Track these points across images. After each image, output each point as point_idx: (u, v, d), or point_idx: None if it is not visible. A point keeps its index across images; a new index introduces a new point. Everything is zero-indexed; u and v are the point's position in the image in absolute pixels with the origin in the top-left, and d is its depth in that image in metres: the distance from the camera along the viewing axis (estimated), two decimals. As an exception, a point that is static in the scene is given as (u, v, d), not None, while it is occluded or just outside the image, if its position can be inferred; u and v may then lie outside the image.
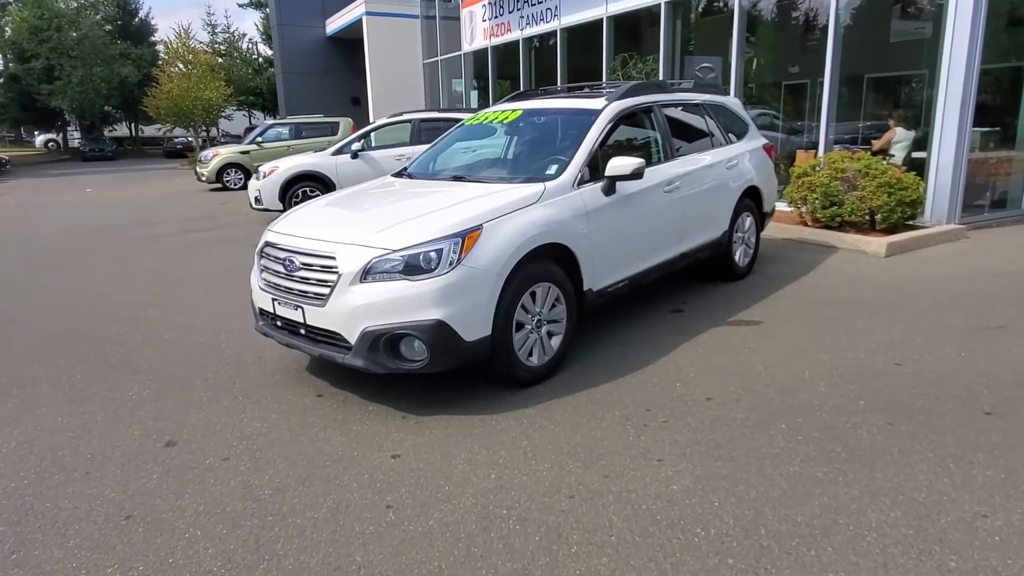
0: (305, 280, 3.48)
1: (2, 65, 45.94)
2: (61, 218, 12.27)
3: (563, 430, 3.24)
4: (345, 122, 16.10)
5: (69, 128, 53.28)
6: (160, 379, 4.08)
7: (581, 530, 2.47)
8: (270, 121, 17.35)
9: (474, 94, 16.70)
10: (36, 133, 58.96)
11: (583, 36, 12.42)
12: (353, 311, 3.29)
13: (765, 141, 6.09)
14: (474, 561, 2.33)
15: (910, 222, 6.98)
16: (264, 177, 9.86)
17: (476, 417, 3.41)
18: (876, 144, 8.41)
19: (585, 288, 4.01)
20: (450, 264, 3.28)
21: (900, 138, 8.13)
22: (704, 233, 5.13)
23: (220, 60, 46.77)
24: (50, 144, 56.81)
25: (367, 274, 3.29)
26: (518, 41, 14.14)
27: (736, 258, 5.64)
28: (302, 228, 3.76)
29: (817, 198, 6.95)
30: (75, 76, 41.34)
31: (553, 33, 12.96)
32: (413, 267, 3.28)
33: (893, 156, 8.10)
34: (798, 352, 4.10)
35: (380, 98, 18.81)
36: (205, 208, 12.92)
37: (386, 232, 3.43)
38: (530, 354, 3.73)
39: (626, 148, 4.59)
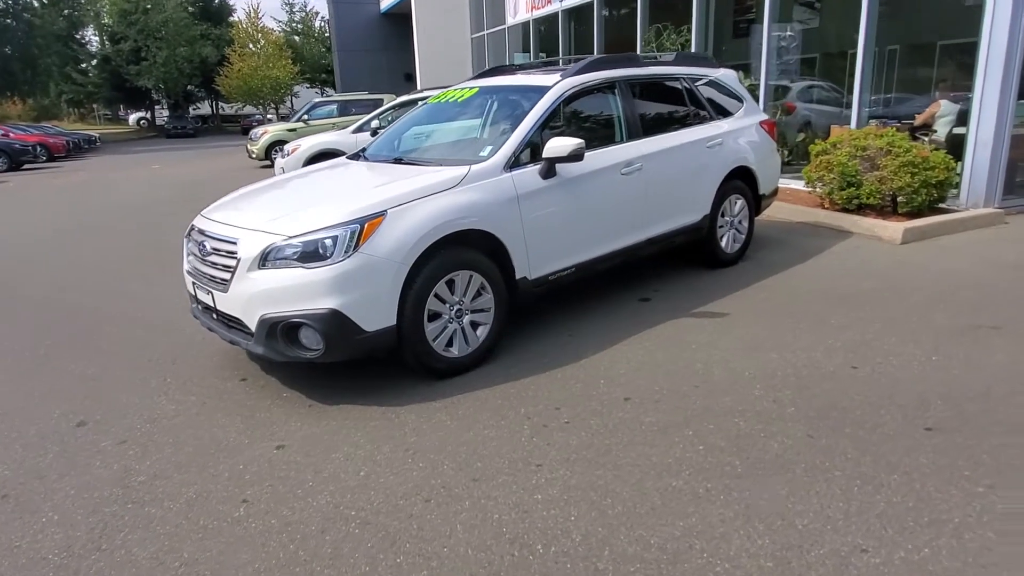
0: (214, 265, 3.46)
1: (99, 46, 48.76)
2: (113, 194, 12.92)
3: (458, 427, 3.10)
4: (389, 99, 16.14)
5: (158, 107, 56.23)
6: (110, 357, 4.19)
7: (418, 539, 2.35)
8: (316, 99, 17.62)
9: (518, 69, 16.36)
10: (129, 112, 62.64)
11: (621, 6, 11.92)
12: (251, 297, 3.24)
13: (763, 117, 5.63)
14: (295, 566, 2.25)
15: (941, 205, 6.33)
16: (288, 155, 10.04)
17: (379, 408, 3.32)
18: (918, 119, 7.67)
19: (518, 277, 3.82)
20: (346, 252, 3.17)
21: (945, 111, 7.37)
22: (679, 217, 4.80)
23: (296, 38, 48.11)
24: (141, 122, 60.24)
25: (265, 260, 3.23)
26: (558, 13, 13.72)
27: (723, 244, 5.26)
28: (223, 212, 3.74)
29: (834, 178, 6.39)
30: (160, 57, 43.43)
31: (591, 4, 12.48)
32: (309, 254, 3.19)
33: (936, 132, 7.37)
34: (751, 349, 3.78)
35: (428, 73, 18.77)
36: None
37: (287, 218, 3.36)
38: (450, 344, 3.59)
39: (579, 127, 4.31)
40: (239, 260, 3.27)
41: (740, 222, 5.40)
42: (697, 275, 5.18)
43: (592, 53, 12.55)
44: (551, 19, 14.05)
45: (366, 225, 3.23)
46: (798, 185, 7.48)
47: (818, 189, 6.67)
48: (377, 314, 3.26)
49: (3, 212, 11.19)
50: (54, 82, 50.30)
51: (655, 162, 4.50)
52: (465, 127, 4.47)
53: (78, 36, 49.19)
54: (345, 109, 16.62)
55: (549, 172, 3.87)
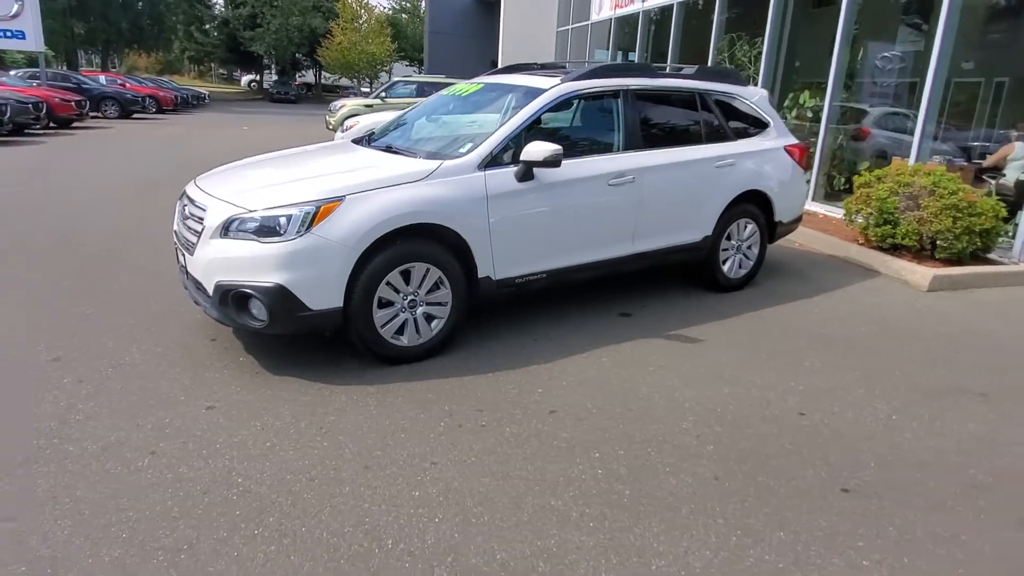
0: (189, 229, 3.65)
1: (222, 9, 51.65)
2: (195, 149, 13.71)
3: (379, 414, 3.17)
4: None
5: (267, 72, 59.12)
6: (113, 304, 4.49)
7: (285, 515, 2.43)
8: (396, 78, 18.04)
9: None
10: (241, 73, 66.19)
11: (699, 12, 11.57)
12: (209, 263, 3.41)
13: (791, 141, 5.36)
14: (162, 519, 2.37)
15: (989, 256, 5.86)
16: (347, 130, 10.37)
17: (318, 385, 3.43)
18: (989, 159, 7.10)
19: (481, 275, 3.84)
20: (298, 231, 3.29)
21: (1019, 155, 6.79)
22: (675, 234, 4.67)
23: (404, 16, 49.29)
24: (252, 84, 63.55)
25: (226, 230, 3.39)
26: (639, 14, 13.45)
27: (725, 268, 5.07)
28: (208, 180, 3.94)
29: (872, 213, 6.03)
30: (273, 24, 45.57)
31: (670, 8, 12.18)
32: (265, 229, 3.33)
33: (1004, 176, 6.80)
34: (706, 380, 3.65)
35: (509, 62, 18.82)
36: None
37: (254, 193, 3.51)
38: (400, 332, 3.66)
39: (573, 133, 4.27)
40: (204, 227, 3.45)
41: (750, 248, 5.18)
42: (694, 297, 5.03)
43: (667, 57, 12.29)
44: (632, 19, 13.80)
45: (321, 208, 3.33)
46: (835, 212, 7.08)
47: (856, 223, 6.30)
48: (323, 294, 3.36)
49: (93, 157, 12.11)
50: (178, 39, 53.72)
51: (652, 175, 4.39)
52: (461, 122, 4.50)
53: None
54: (422, 90, 16.93)
55: (526, 175, 3.85)
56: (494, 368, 3.71)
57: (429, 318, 3.75)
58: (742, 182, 4.91)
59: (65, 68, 36.76)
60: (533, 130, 4.02)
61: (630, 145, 4.38)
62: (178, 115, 26.03)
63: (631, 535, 2.38)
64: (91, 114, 21.59)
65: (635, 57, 13.58)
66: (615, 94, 4.39)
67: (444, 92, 5.00)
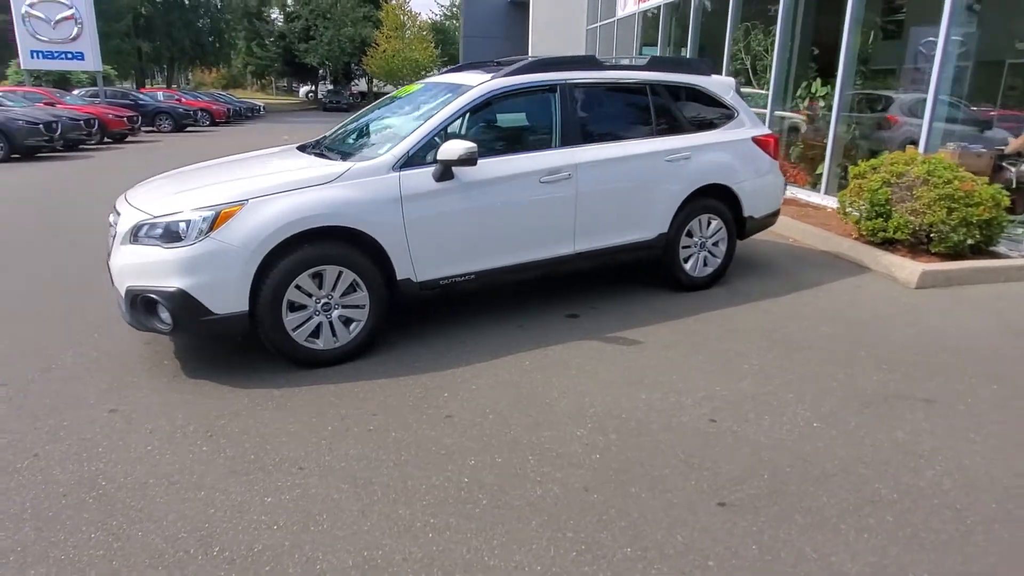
0: (111, 236, 3.74)
1: (281, 23, 53.53)
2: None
3: (273, 418, 3.16)
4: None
5: (322, 82, 60.84)
6: (79, 302, 4.66)
7: (129, 519, 2.43)
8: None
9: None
10: (299, 85, 68.37)
11: (717, 3, 11.19)
12: (121, 268, 3.49)
13: (761, 132, 5.07)
14: (10, 521, 2.42)
15: (993, 248, 5.40)
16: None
17: (225, 388, 3.45)
18: (1012, 144, 6.56)
19: (400, 278, 3.78)
20: (198, 237, 3.32)
21: (1042, 139, 6.24)
22: (623, 232, 4.49)
23: (454, 22, 49.84)
24: (309, 95, 65.55)
25: (135, 236, 3.45)
26: (660, 7, 13.14)
27: (687, 267, 4.85)
28: (138, 187, 4.03)
29: (864, 205, 5.65)
30: (326, 36, 46.88)
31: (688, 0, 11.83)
32: (169, 235, 3.37)
33: (1024, 162, 6.27)
34: (625, 385, 3.48)
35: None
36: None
37: (164, 199, 3.56)
38: (316, 336, 3.64)
39: (502, 130, 4.16)
40: (116, 233, 3.53)
41: (716, 245, 4.94)
42: (653, 297, 4.82)
43: (686, 48, 11.94)
44: (655, 13, 13.49)
45: (221, 212, 3.35)
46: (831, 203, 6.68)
47: (850, 217, 5.92)
48: (227, 298, 3.37)
49: (126, 169, 12.70)
50: (239, 55, 56.01)
51: (590, 172, 4.23)
52: (393, 122, 4.45)
53: (264, 14, 54.28)
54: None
55: (444, 175, 3.77)
56: (410, 371, 3.65)
57: (347, 321, 3.71)
58: (700, 176, 4.68)
59: (134, 86, 38.92)
60: (467, 127, 3.94)
61: (568, 141, 4.24)
62: (229, 127, 27.08)
63: (466, 547, 2.28)
64: (145, 128, 22.75)
65: (657, 52, 13.25)
66: (551, 88, 4.26)
67: (394, 93, 4.97)
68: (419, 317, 4.42)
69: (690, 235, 4.80)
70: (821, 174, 8.17)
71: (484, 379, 3.56)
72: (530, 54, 19.88)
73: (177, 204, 3.45)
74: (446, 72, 4.89)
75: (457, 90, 4.12)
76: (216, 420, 3.14)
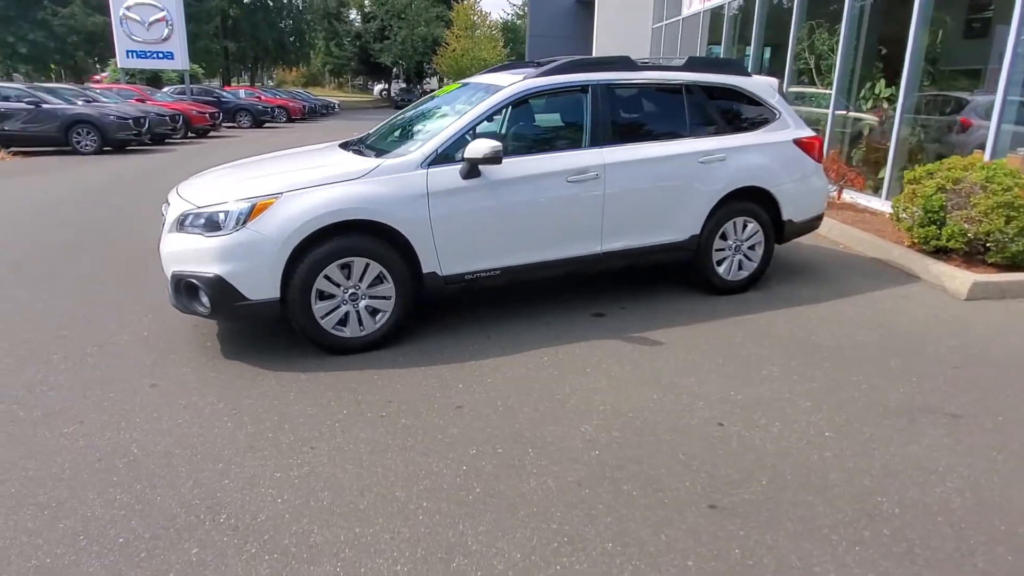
0: (162, 223, 4.03)
1: (358, 24, 55.16)
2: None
3: (295, 400, 3.33)
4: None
5: (396, 81, 62.33)
6: (134, 293, 5.03)
7: (146, 483, 2.65)
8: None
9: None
10: (373, 83, 70.26)
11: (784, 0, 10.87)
12: (168, 254, 3.75)
13: (803, 134, 4.93)
14: (50, 480, 2.67)
15: (1059, 260, 5.08)
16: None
17: (257, 370, 3.66)
18: (1091, 150, 6.12)
19: (425, 271, 3.91)
20: (235, 227, 3.54)
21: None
22: (652, 233, 4.48)
23: (519, 22, 50.09)
24: (382, 92, 67.25)
25: (182, 225, 3.71)
26: (724, 5, 12.86)
27: (720, 270, 4.78)
28: (188, 181, 4.30)
29: (917, 212, 5.41)
30: (399, 36, 47.96)
31: (754, -4, 11.53)
32: (210, 224, 3.61)
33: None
34: (639, 385, 3.49)
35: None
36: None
37: (209, 191, 3.80)
38: (343, 324, 3.82)
39: (533, 130, 4.23)
40: (165, 222, 3.80)
41: (752, 248, 4.85)
42: (684, 299, 4.78)
43: (749, 46, 11.66)
44: (719, 12, 13.21)
45: (257, 204, 3.56)
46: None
47: (902, 223, 5.68)
48: (260, 285, 3.58)
49: (206, 162, 13.44)
50: (318, 55, 58.03)
51: (619, 171, 4.24)
52: (429, 121, 4.57)
53: (343, 15, 56.07)
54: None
55: (471, 172, 3.88)
56: (431, 362, 3.77)
57: (373, 312, 3.87)
58: (735, 178, 4.61)
59: (220, 84, 40.98)
60: (497, 126, 4.04)
61: (597, 141, 4.26)
62: (304, 123, 28.19)
63: (452, 531, 2.37)
64: (226, 124, 23.97)
65: (720, 51, 12.99)
66: (583, 89, 4.29)
67: (435, 92, 5.10)
68: (450, 311, 4.54)
69: (724, 237, 4.73)
70: (884, 179, 7.84)
71: (501, 373, 3.64)
72: (594, 54, 19.80)
73: (219, 196, 3.69)
74: (486, 73, 4.98)
75: (490, 90, 4.21)
76: (244, 399, 3.34)
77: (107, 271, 5.51)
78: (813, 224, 5.16)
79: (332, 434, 3.02)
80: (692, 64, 4.70)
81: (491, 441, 2.96)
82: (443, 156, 3.90)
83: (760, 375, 3.61)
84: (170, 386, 3.49)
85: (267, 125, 26.06)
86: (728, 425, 3.08)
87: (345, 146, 4.65)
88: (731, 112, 4.75)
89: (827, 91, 9.21)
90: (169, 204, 3.97)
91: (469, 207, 3.92)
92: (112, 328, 4.26)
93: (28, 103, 14.28)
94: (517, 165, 4.01)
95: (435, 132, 4.05)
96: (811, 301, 4.77)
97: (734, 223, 4.72)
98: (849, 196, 8.03)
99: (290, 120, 28.53)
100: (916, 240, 5.44)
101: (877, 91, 8.23)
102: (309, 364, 3.73)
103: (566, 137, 4.32)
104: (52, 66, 35.85)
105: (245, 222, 3.54)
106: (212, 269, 3.54)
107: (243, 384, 3.51)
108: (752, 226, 4.79)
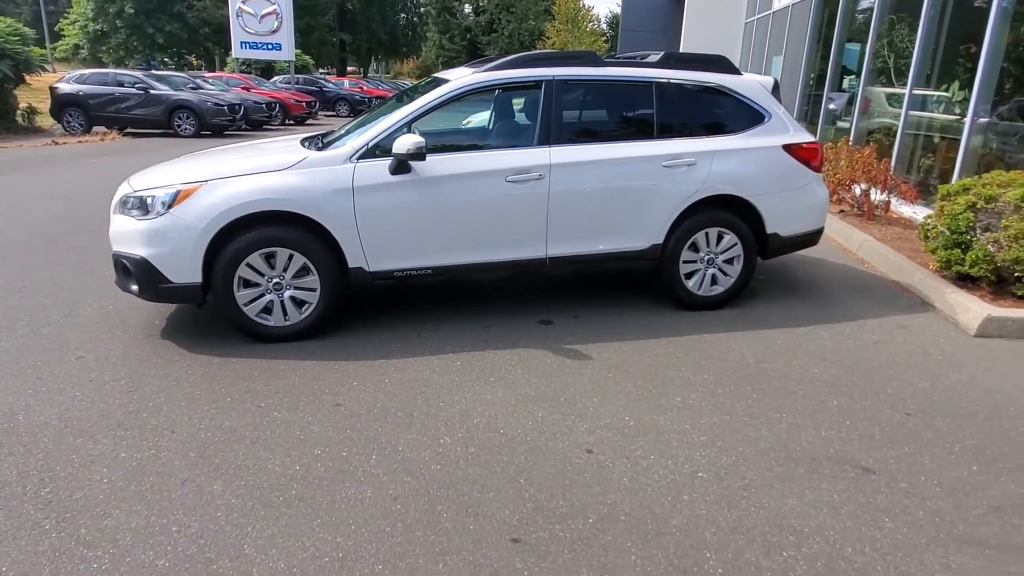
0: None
1: (472, 16, 56.14)
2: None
3: (192, 383, 3.41)
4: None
5: (504, 73, 62.82)
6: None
7: (58, 466, 2.80)
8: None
9: (777, 60, 14.66)
10: (483, 76, 71.38)
11: (868, -8, 9.93)
12: (111, 235, 3.94)
13: (798, 139, 4.44)
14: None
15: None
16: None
17: (181, 351, 3.78)
18: None
19: (351, 266, 3.88)
20: (159, 211, 3.66)
21: None
22: (606, 239, 4.20)
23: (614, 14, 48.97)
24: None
25: (122, 207, 3.89)
26: (811, 0, 11.92)
27: (690, 284, 4.42)
28: (147, 169, 4.46)
29: (942, 232, 4.76)
30: (507, 29, 48.36)
31: (839, -13, 10.61)
32: (141, 208, 3.75)
33: None
34: (532, 401, 3.29)
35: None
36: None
37: (150, 177, 3.95)
38: (268, 313, 3.87)
39: (471, 127, 4.07)
40: (113, 204, 4.00)
41: (728, 262, 4.45)
42: (652, 312, 4.46)
43: (831, 42, 10.77)
44: (805, 5, 12.27)
45: (182, 191, 3.67)
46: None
47: (928, 244, 5.02)
48: (182, 269, 3.69)
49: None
50: (431, 48, 59.63)
51: (566, 173, 4.01)
52: (377, 115, 4.47)
53: (455, 8, 57.25)
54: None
55: (399, 168, 3.80)
56: (346, 357, 3.75)
57: (300, 303, 3.89)
58: (707, 185, 4.23)
59: (336, 73, 43.07)
60: (437, 121, 3.95)
61: (547, 139, 4.05)
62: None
63: (238, 532, 2.33)
64: (326, 113, 25.16)
65: (783, 50, 12.06)
66: (535, 85, 4.09)
67: (409, 87, 5.05)
68: (390, 305, 4.50)
69: (695, 249, 4.37)
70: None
71: (402, 374, 3.55)
72: (681, 48, 19.03)
73: (153, 181, 3.83)
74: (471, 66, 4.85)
75: (439, 84, 4.11)
76: (147, 378, 3.46)
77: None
78: (808, 239, 4.66)
79: (199, 420, 3.06)
80: (668, 61, 4.35)
81: (343, 443, 2.89)
82: (376, 150, 3.85)
83: (672, 401, 3.30)
84: (92, 360, 3.67)
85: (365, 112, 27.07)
86: (597, 453, 2.84)
87: (305, 140, 4.69)
88: (709, 113, 4.37)
89: (904, 91, 8.31)
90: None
91: (397, 203, 3.84)
92: (84, 301, 4.55)
93: (138, 89, 15.60)
94: (451, 162, 3.90)
95: (375, 126, 4.00)
96: (789, 324, 4.31)
97: (706, 234, 4.35)
98: (903, 210, 7.22)
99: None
100: (939, 264, 4.79)
101: (951, 94, 7.33)
102: (230, 350, 3.81)
103: (512, 134, 4.15)
104: (192, 58, 39.10)
105: (170, 207, 3.65)
106: (139, 251, 3.69)
107: (158, 363, 3.63)
108: (729, 238, 4.39)
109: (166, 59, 36.57)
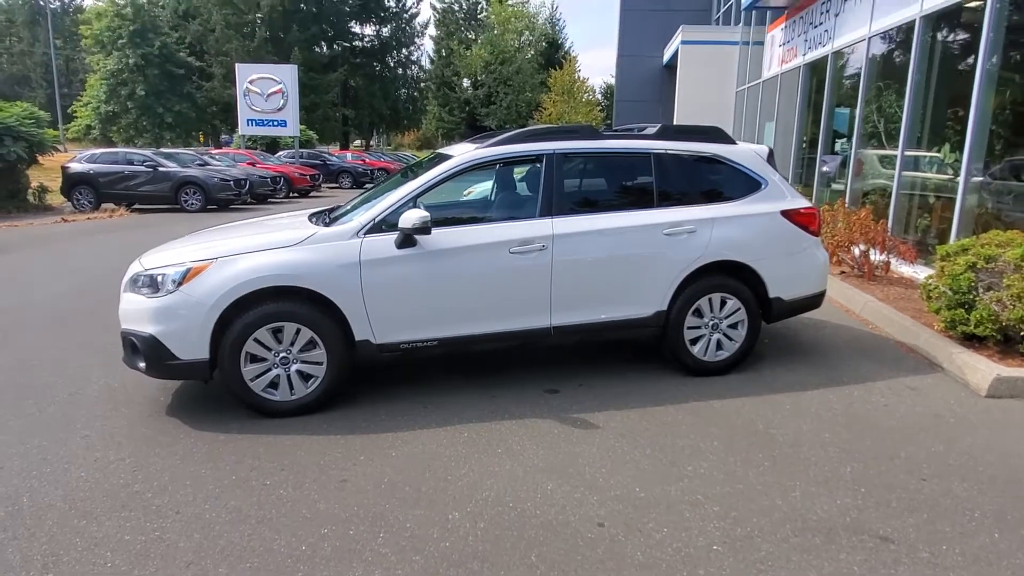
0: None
1: (470, 91, 58.05)
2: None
3: (198, 461, 3.38)
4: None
5: (503, 143, 64.38)
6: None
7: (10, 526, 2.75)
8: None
9: (770, 126, 15.10)
10: (483, 146, 73.23)
11: (854, 61, 10.33)
12: (120, 312, 3.99)
13: (795, 205, 4.53)
14: (-64, 523, 2.84)
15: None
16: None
17: (185, 428, 3.76)
18: None
19: (358, 339, 3.90)
20: (169, 289, 3.72)
21: None
22: (611, 308, 4.24)
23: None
24: (490, 155, 69.53)
25: (132, 285, 3.94)
26: (799, 68, 12.39)
27: (695, 349, 4.43)
28: (159, 247, 4.53)
29: (945, 293, 4.80)
30: (505, 101, 49.93)
31: (826, 58, 11.04)
32: (151, 286, 3.81)
33: None
34: (543, 472, 3.25)
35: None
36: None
37: (160, 255, 4.02)
38: (274, 387, 3.86)
39: (475, 200, 4.18)
40: (123, 282, 4.06)
41: (733, 327, 4.47)
42: (658, 380, 4.44)
43: (821, 108, 11.12)
44: (793, 75, 12.74)
45: (192, 268, 3.73)
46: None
47: (930, 305, 5.05)
48: (190, 346, 3.72)
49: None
50: (431, 120, 61.47)
51: (568, 243, 4.09)
52: (381, 191, 4.59)
53: (454, 83, 59.28)
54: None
55: (405, 242, 3.87)
56: (350, 431, 3.72)
57: (306, 376, 3.90)
58: (708, 251, 4.30)
59: (338, 147, 44.25)
60: (443, 196, 4.05)
61: (549, 211, 4.14)
62: (403, 184, 29.61)
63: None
64: (329, 185, 25.73)
65: (775, 116, 12.43)
66: (536, 158, 4.22)
67: (414, 162, 5.20)
68: (396, 377, 4.50)
69: (699, 315, 4.40)
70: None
71: (409, 447, 3.52)
72: (675, 116, 19.61)
73: (164, 260, 3.90)
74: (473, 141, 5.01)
75: (443, 160, 4.24)
76: (153, 456, 3.43)
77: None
78: (811, 302, 4.70)
79: (204, 499, 3.01)
80: (665, 133, 4.50)
81: (350, 521, 2.84)
82: (383, 225, 3.93)
83: (684, 471, 3.25)
84: (98, 438, 3.65)
85: (368, 185, 27.66)
86: (608, 527, 2.78)
87: (313, 215, 4.80)
88: (707, 182, 4.49)
89: (895, 154, 8.53)
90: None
91: (403, 276, 3.90)
92: (91, 378, 4.55)
93: (147, 166, 16.04)
94: (456, 235, 3.98)
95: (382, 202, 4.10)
96: (797, 388, 4.29)
97: (710, 299, 4.39)
98: (904, 270, 7.28)
99: (391, 181, 30.19)
100: (942, 324, 4.80)
101: (943, 156, 7.52)
102: (235, 426, 3.79)
103: (515, 207, 4.25)
104: (199, 136, 40.37)
105: (180, 284, 3.71)
106: (147, 328, 3.72)
107: (164, 441, 3.61)
108: (732, 303, 4.42)
109: (171, 137, 37.71)
